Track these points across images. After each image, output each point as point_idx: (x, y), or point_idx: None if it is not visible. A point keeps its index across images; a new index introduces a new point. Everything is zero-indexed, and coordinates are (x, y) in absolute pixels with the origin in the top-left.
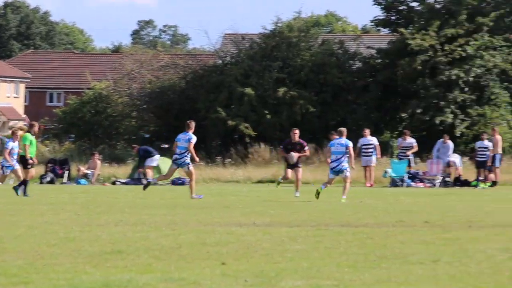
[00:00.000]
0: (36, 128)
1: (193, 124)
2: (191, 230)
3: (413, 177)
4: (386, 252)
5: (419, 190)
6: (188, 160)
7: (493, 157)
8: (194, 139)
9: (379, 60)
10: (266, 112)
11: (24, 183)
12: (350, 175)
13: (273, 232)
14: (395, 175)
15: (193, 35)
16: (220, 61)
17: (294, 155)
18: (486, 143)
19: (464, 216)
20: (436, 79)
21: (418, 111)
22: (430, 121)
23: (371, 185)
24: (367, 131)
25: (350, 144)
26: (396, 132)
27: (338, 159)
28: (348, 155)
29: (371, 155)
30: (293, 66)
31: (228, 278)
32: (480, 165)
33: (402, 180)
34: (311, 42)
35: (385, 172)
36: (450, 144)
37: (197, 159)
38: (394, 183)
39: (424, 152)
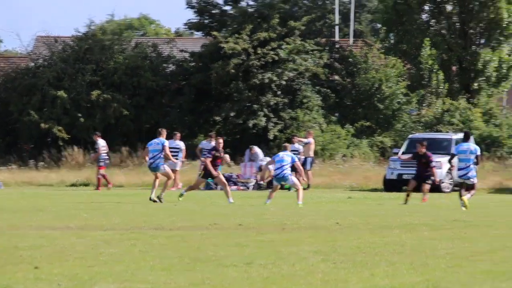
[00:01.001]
0: None
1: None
2: (3, 234)
3: (227, 180)
4: (200, 255)
5: (233, 193)
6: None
7: (304, 160)
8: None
9: (193, 64)
10: (80, 115)
11: None
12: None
13: (87, 235)
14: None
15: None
16: (32, 64)
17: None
18: (297, 146)
19: (277, 219)
20: (249, 82)
21: (232, 114)
22: (243, 124)
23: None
24: (178, 135)
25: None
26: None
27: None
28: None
29: (177, 159)
30: (107, 69)
31: (42, 282)
32: (293, 169)
33: (216, 184)
34: (125, 45)
35: (199, 174)
36: (258, 152)
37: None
38: (208, 186)
39: (238, 155)
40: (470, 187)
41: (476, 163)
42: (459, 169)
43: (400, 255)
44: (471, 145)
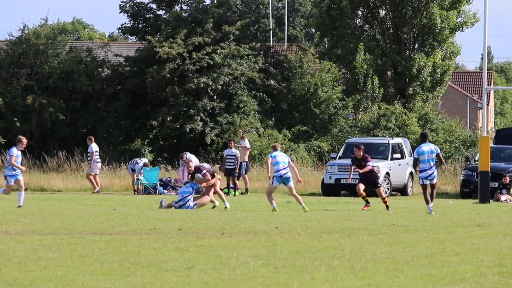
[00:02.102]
0: None
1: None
2: None
3: (165, 184)
4: (140, 259)
5: (173, 198)
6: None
7: (240, 165)
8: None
9: (128, 68)
10: (15, 119)
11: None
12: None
13: (26, 240)
14: (147, 182)
15: None
16: None
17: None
18: (234, 150)
19: (216, 223)
20: (185, 87)
21: (168, 119)
22: (180, 129)
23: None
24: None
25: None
26: (147, 140)
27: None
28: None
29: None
30: (41, 74)
31: None
32: (229, 173)
33: (155, 188)
34: (59, 50)
35: (137, 179)
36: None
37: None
38: (147, 191)
39: (175, 160)
40: (432, 187)
41: (440, 162)
42: (423, 171)
43: (340, 260)
44: (431, 145)
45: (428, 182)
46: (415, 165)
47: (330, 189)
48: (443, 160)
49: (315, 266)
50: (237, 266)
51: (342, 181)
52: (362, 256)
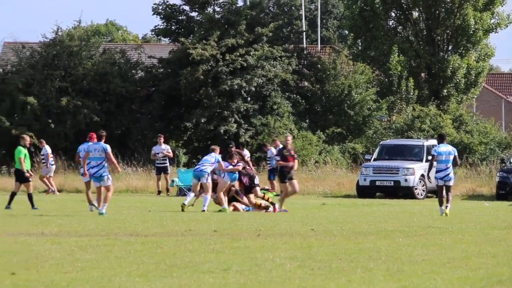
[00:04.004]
0: (27, 141)
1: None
2: None
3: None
4: (176, 261)
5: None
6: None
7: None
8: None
9: (161, 70)
10: (50, 121)
11: (29, 196)
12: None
13: (62, 241)
14: (182, 184)
15: None
16: (0, 70)
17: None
18: (274, 150)
19: (252, 225)
20: (218, 88)
21: (202, 120)
22: (214, 131)
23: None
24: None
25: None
26: (181, 142)
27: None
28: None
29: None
30: (75, 75)
31: None
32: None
33: (189, 190)
34: (93, 51)
35: (172, 181)
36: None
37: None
38: (181, 193)
39: None
40: (448, 189)
41: (455, 164)
42: (439, 171)
43: (376, 262)
44: (449, 146)
45: (443, 183)
46: (431, 165)
47: (365, 191)
48: (458, 162)
49: (351, 268)
50: (273, 268)
51: (377, 183)
52: (398, 258)
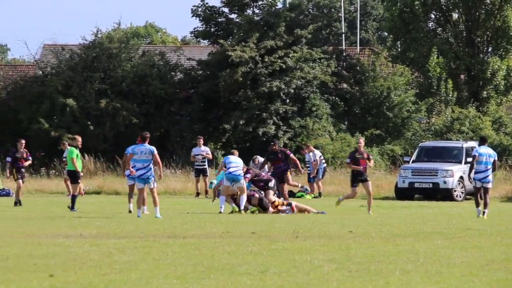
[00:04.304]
0: (79, 142)
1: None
2: (17, 242)
3: None
4: (214, 263)
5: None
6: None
7: (317, 170)
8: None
9: (200, 72)
10: (89, 123)
11: (73, 197)
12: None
13: (101, 243)
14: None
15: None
16: (40, 72)
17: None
18: (311, 155)
19: (290, 227)
20: (257, 90)
21: (241, 122)
22: (253, 132)
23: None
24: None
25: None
26: (220, 143)
27: (145, 167)
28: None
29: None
30: (115, 77)
31: None
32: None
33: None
34: (132, 53)
35: (211, 183)
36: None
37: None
38: (220, 194)
39: (248, 164)
40: (485, 191)
41: (494, 169)
42: (478, 172)
43: (414, 264)
44: (489, 149)
45: (481, 185)
46: (472, 166)
47: (404, 193)
48: (497, 167)
49: (389, 270)
50: (311, 270)
51: (416, 185)
52: (436, 260)
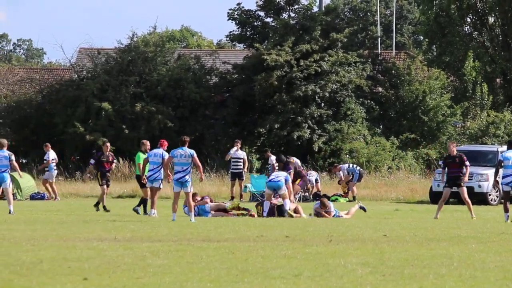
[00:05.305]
0: (147, 146)
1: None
2: (51, 246)
3: None
4: (248, 266)
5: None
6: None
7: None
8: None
9: (236, 75)
10: (124, 127)
11: (143, 201)
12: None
13: (135, 247)
14: (255, 190)
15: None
16: (76, 76)
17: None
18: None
19: (324, 231)
20: (292, 94)
21: (276, 126)
22: (288, 136)
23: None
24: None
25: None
26: (255, 147)
27: (184, 170)
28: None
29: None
30: (150, 81)
31: None
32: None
33: (262, 196)
34: (167, 57)
35: (245, 187)
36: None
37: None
38: (254, 198)
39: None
40: None
41: None
42: (505, 176)
43: (449, 268)
44: None
45: (509, 189)
46: (497, 171)
47: (439, 197)
48: None
49: (423, 274)
50: (345, 274)
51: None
52: (470, 264)
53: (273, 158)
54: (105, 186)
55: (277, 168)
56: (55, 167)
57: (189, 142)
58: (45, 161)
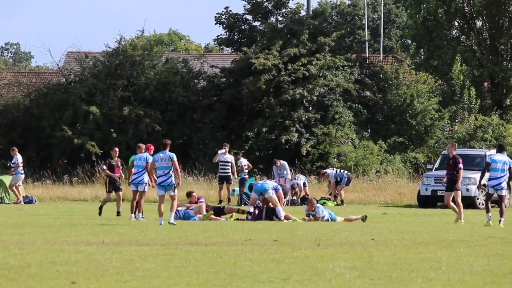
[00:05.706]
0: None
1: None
2: (39, 249)
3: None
4: (236, 270)
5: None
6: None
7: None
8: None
9: (224, 79)
10: (112, 130)
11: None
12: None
13: (123, 250)
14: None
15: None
16: (64, 79)
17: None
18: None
19: (312, 235)
20: (280, 98)
21: (264, 130)
22: (276, 140)
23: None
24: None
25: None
26: (243, 151)
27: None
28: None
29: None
30: (138, 85)
31: None
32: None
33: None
34: (155, 61)
35: (233, 190)
36: (284, 164)
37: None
38: (242, 202)
39: (270, 171)
40: (500, 199)
41: (510, 177)
42: (492, 179)
43: (437, 272)
44: (505, 157)
45: (493, 192)
46: (483, 173)
47: (427, 201)
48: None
49: (411, 278)
50: (333, 278)
51: (439, 193)
52: (459, 268)
53: (242, 160)
54: (111, 194)
55: (246, 169)
56: (22, 171)
57: (170, 145)
58: (13, 165)
